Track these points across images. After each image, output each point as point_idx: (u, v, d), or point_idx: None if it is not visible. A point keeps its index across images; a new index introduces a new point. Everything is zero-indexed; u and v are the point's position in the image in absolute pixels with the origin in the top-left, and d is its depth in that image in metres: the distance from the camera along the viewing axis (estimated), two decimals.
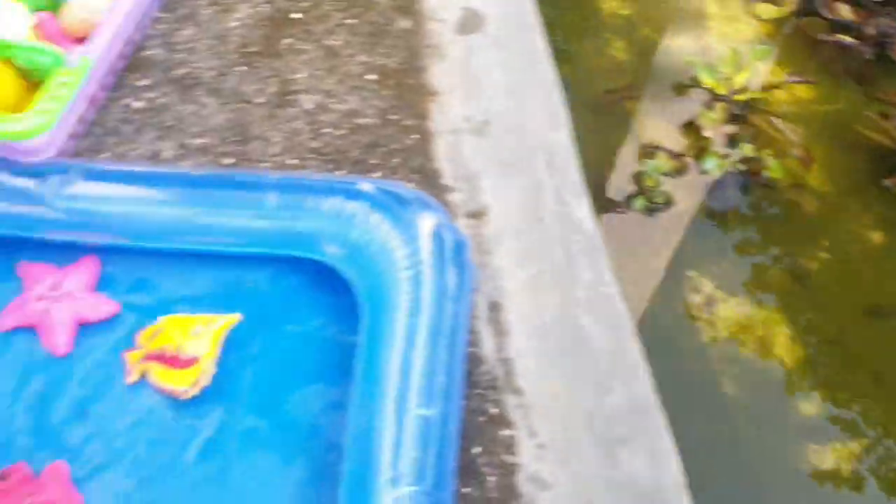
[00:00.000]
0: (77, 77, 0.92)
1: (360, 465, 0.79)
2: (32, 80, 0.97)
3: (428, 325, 0.85)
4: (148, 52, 1.12)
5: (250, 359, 0.90)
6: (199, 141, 1.06)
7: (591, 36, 1.61)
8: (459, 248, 0.90)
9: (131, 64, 1.10)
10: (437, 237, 0.90)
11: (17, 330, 0.90)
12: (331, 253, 0.91)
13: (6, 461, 0.83)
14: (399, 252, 0.89)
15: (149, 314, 0.92)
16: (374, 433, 0.80)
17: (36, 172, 0.90)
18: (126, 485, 0.83)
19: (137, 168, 0.95)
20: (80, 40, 1.03)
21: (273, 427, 0.87)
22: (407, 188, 0.94)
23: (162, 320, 0.90)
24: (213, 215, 0.92)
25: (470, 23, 1.20)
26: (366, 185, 0.92)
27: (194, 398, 0.87)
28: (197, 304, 0.93)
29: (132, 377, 0.88)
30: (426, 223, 0.90)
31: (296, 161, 1.05)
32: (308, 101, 1.10)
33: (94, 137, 1.03)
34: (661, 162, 1.39)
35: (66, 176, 0.90)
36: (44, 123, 0.88)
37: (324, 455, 0.85)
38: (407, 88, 1.13)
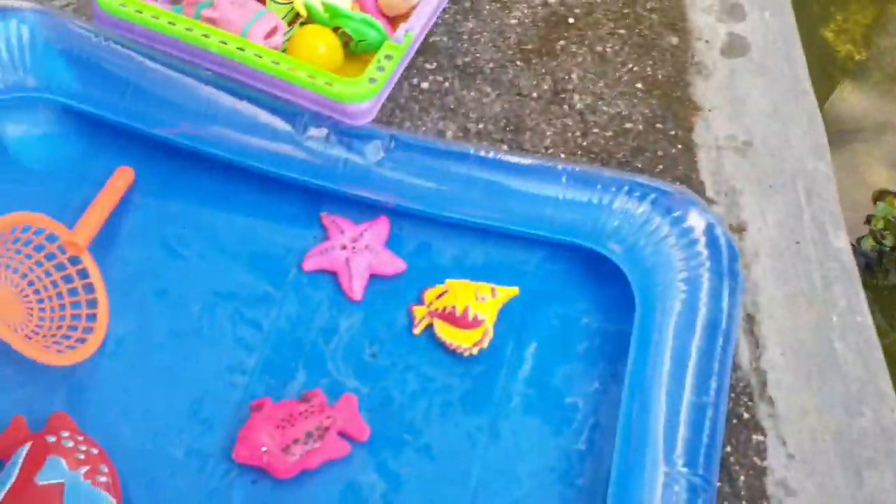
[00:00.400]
0: (400, 52, 1.01)
1: (632, 444, 0.85)
2: (346, 50, 1.08)
3: (704, 324, 0.90)
4: (434, 39, 1.21)
5: (520, 331, 0.97)
6: (478, 126, 1.14)
7: (825, 77, 1.63)
8: (733, 256, 0.95)
9: (420, 47, 1.19)
10: (715, 244, 0.95)
11: (318, 272, 1.00)
12: (610, 245, 0.97)
13: (301, 387, 0.92)
14: (678, 253, 0.95)
15: (430, 276, 1.00)
16: (648, 415, 0.85)
17: (357, 134, 0.99)
18: (403, 423, 0.91)
19: (439, 143, 1.03)
20: (388, 19, 1.12)
21: (540, 396, 0.93)
22: (688, 193, 0.99)
23: (448, 283, 0.98)
24: (502, 196, 1.00)
25: (735, 47, 1.24)
26: (649, 185, 0.98)
27: (471, 357, 0.94)
28: (472, 273, 1.00)
29: (418, 329, 0.96)
30: (705, 229, 0.95)
31: (565, 156, 1.12)
32: (579, 101, 1.17)
33: (387, 110, 1.13)
34: (891, 206, 1.41)
35: (383, 141, 0.99)
36: (373, 89, 0.97)
37: (589, 432, 0.91)
38: (672, 100, 1.18)
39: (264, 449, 0.85)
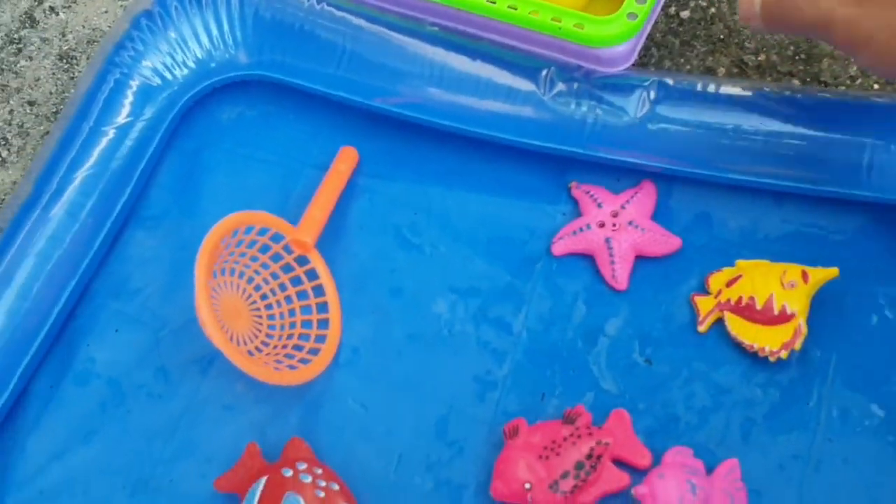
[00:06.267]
0: None
1: None
2: None
3: None
4: None
5: (840, 325, 0.76)
6: (757, 58, 0.91)
7: None
8: None
9: None
10: None
11: (571, 255, 0.83)
12: None
13: (560, 400, 0.77)
14: None
15: (713, 255, 0.81)
16: None
17: (614, 84, 0.81)
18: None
19: (712, 84, 0.82)
20: None
21: (876, 413, 0.72)
22: None
23: (740, 265, 0.78)
24: (801, 145, 0.78)
25: None
26: None
27: (779, 361, 0.74)
28: (766, 249, 0.80)
29: (705, 326, 0.77)
30: None
31: (879, 87, 0.87)
32: None
33: (642, 49, 0.93)
34: None
35: (645, 90, 0.80)
36: (633, 26, 0.78)
37: None
38: None
39: (528, 486, 0.70)
